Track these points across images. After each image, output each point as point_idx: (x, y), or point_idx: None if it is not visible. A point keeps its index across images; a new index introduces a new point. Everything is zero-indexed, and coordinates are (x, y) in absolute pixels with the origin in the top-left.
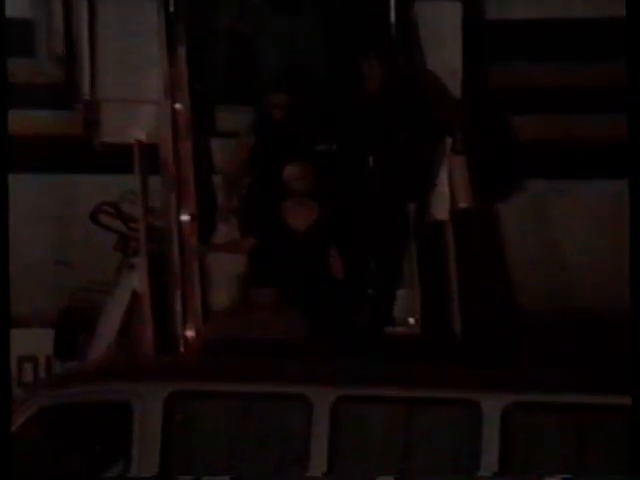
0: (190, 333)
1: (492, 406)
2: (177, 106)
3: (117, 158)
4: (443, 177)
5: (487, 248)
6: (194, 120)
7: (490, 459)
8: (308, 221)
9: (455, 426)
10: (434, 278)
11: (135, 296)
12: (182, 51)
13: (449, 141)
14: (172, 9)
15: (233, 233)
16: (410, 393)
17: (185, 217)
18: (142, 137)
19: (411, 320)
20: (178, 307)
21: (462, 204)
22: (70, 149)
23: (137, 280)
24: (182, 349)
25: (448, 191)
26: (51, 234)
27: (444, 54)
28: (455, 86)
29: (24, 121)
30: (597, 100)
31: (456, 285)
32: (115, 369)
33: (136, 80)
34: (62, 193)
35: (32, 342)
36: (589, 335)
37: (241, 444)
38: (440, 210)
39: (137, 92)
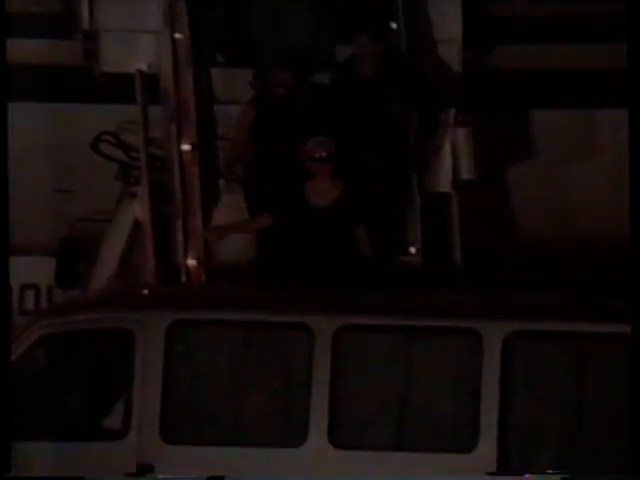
0: (191, 262)
1: (493, 334)
2: (177, 36)
3: (117, 88)
4: (446, 149)
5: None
6: (194, 50)
7: (491, 388)
8: (331, 198)
9: (456, 355)
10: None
11: (136, 225)
12: None
13: (452, 112)
14: None
15: (239, 202)
16: (411, 322)
17: (186, 147)
18: (143, 67)
19: (412, 249)
20: (179, 236)
21: (465, 176)
22: (70, 79)
23: (138, 209)
24: (184, 278)
25: (451, 163)
26: (52, 163)
27: (444, 22)
28: (454, 56)
29: (23, 50)
30: (594, 30)
31: (457, 216)
32: (117, 298)
33: (135, 10)
34: (62, 122)
35: (34, 270)
36: (589, 265)
37: (243, 372)
38: (443, 182)
39: (137, 22)
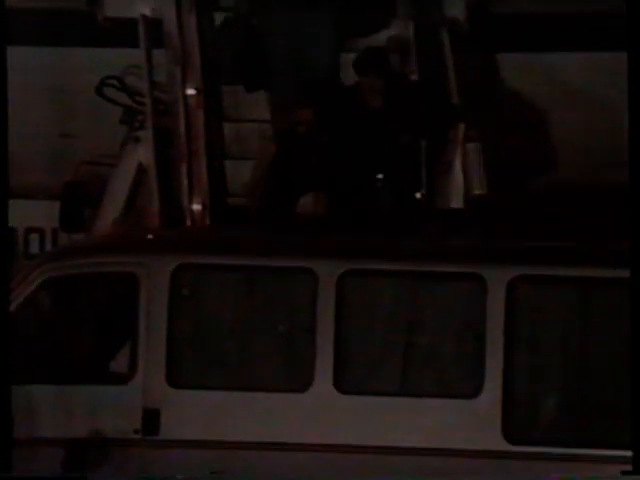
0: (196, 207)
1: (497, 279)
2: None
3: (121, 32)
4: (457, 164)
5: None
6: None
7: (495, 333)
8: None
9: (460, 300)
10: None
11: (141, 169)
12: None
13: (462, 128)
14: None
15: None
16: (416, 267)
17: (191, 91)
18: (146, 11)
19: (417, 195)
20: (184, 181)
21: (476, 191)
22: (74, 23)
23: (143, 153)
24: (188, 222)
25: (462, 178)
26: (57, 107)
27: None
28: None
29: None
30: None
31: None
32: (121, 242)
33: None
34: (68, 66)
35: (38, 214)
36: (590, 210)
37: (248, 317)
38: (454, 198)
39: None
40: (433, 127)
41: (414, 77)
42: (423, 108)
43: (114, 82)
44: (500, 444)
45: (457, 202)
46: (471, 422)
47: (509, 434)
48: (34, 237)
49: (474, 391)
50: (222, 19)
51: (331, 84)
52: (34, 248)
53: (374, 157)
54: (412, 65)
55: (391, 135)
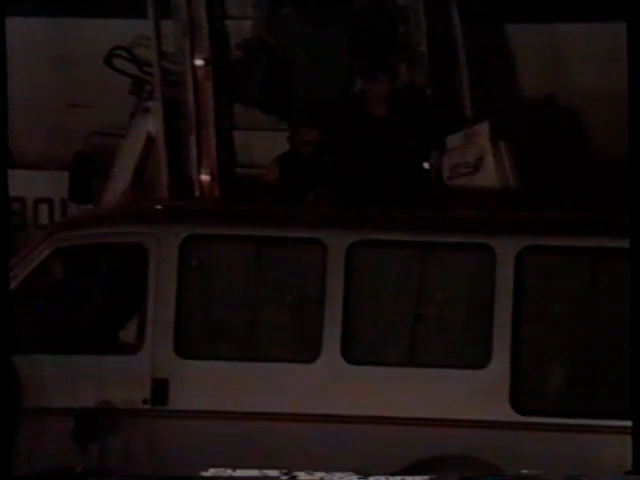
0: (205, 177)
1: (506, 250)
2: None
3: (129, 3)
4: (488, 162)
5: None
6: None
7: (504, 303)
8: None
9: (469, 270)
10: None
11: (150, 140)
12: None
13: (486, 125)
14: None
15: None
16: (424, 237)
17: (199, 62)
18: None
19: (426, 165)
20: (193, 151)
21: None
22: None
23: (152, 124)
24: (197, 193)
25: (495, 175)
26: (66, 77)
27: None
28: None
29: None
30: None
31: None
32: (130, 212)
33: None
34: (77, 37)
35: (47, 184)
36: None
37: (257, 287)
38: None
39: None
40: (439, 134)
41: (423, 84)
42: (431, 116)
43: (123, 53)
44: (508, 414)
45: (490, 202)
46: (479, 393)
47: (517, 404)
48: (43, 208)
49: (482, 362)
50: (240, 40)
51: (342, 101)
52: (43, 219)
53: (381, 161)
54: (424, 69)
55: (400, 142)
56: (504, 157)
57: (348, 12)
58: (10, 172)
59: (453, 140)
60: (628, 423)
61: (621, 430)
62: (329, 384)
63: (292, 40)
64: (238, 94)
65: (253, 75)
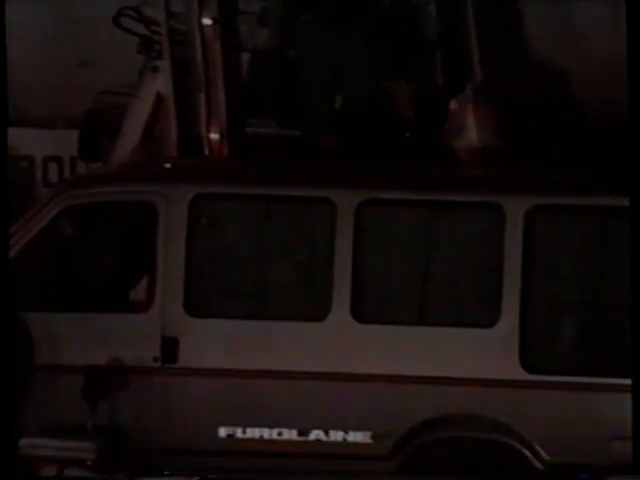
0: (214, 136)
1: (515, 209)
2: None
3: None
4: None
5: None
6: None
7: (513, 262)
8: None
9: (478, 229)
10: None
11: (159, 99)
12: None
13: (470, 85)
14: None
15: None
16: (434, 196)
17: (207, 20)
18: None
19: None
20: (202, 110)
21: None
22: None
23: (161, 83)
24: (206, 152)
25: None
26: (76, 36)
27: None
28: None
29: None
30: None
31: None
32: (140, 171)
33: None
34: None
35: (57, 143)
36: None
37: (266, 246)
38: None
39: None
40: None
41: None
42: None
43: (131, 13)
44: (517, 373)
45: (470, 157)
46: (488, 351)
47: (526, 363)
48: (52, 166)
49: (491, 320)
50: (255, 52)
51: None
52: (52, 176)
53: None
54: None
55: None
56: (487, 118)
57: (367, 17)
58: (19, 130)
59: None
60: None
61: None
62: (338, 342)
63: (312, 49)
64: (252, 107)
65: (268, 89)
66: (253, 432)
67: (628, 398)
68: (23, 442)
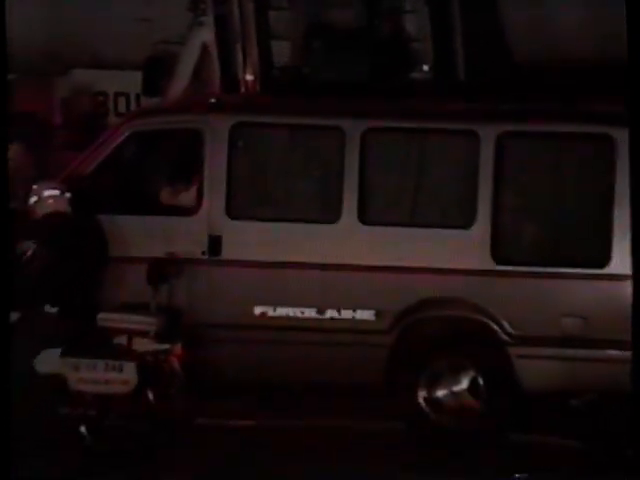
0: (249, 77)
1: (488, 134)
2: None
3: None
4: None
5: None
6: None
7: (486, 178)
8: None
9: (459, 151)
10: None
11: (204, 47)
12: None
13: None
14: None
15: None
16: (424, 124)
17: None
18: None
19: (425, 67)
20: (239, 57)
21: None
22: None
23: (205, 35)
24: (243, 89)
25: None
26: None
27: None
28: None
29: None
30: None
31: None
32: (190, 104)
33: None
34: None
35: (125, 82)
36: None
37: (291, 164)
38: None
39: None
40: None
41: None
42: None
43: None
44: (489, 264)
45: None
46: (466, 247)
47: (496, 256)
48: (121, 100)
49: (468, 223)
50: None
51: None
52: (121, 109)
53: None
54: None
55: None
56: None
57: (369, 40)
58: (96, 72)
59: None
60: (588, 270)
61: (582, 276)
62: (347, 240)
63: (323, 67)
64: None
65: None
66: (281, 310)
67: (576, 283)
68: (101, 316)
